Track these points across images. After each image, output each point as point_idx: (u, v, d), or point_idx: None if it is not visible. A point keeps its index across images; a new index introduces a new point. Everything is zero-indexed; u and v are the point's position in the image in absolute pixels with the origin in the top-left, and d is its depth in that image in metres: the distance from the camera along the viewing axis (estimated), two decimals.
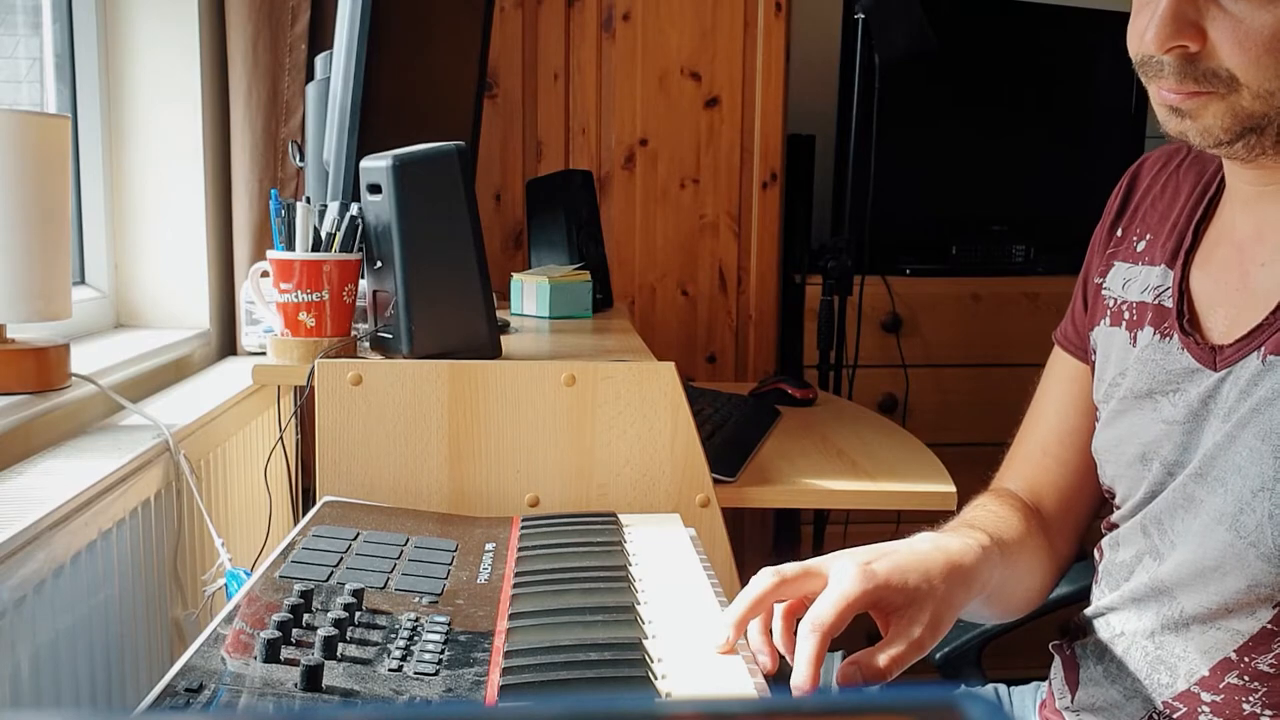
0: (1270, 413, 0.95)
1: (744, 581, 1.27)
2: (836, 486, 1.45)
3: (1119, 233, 1.15)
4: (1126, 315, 1.10)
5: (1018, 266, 2.70)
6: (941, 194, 2.71)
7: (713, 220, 2.59)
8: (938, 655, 1.39)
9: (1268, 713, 0.97)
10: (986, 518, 1.12)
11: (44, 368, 1.25)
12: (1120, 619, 1.09)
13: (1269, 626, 0.97)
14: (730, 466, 1.43)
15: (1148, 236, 1.12)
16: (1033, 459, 1.21)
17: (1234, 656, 0.98)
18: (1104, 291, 1.14)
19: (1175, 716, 1.02)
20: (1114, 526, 1.13)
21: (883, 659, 0.92)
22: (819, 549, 2.38)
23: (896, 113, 2.48)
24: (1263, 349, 0.97)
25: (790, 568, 0.96)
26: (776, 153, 2.58)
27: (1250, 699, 0.98)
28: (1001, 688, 1.29)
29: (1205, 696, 1.00)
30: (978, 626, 1.37)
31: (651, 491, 1.30)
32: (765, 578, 0.95)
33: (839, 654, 1.34)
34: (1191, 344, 1.03)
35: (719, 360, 2.63)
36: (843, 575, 0.93)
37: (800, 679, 0.88)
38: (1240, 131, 0.94)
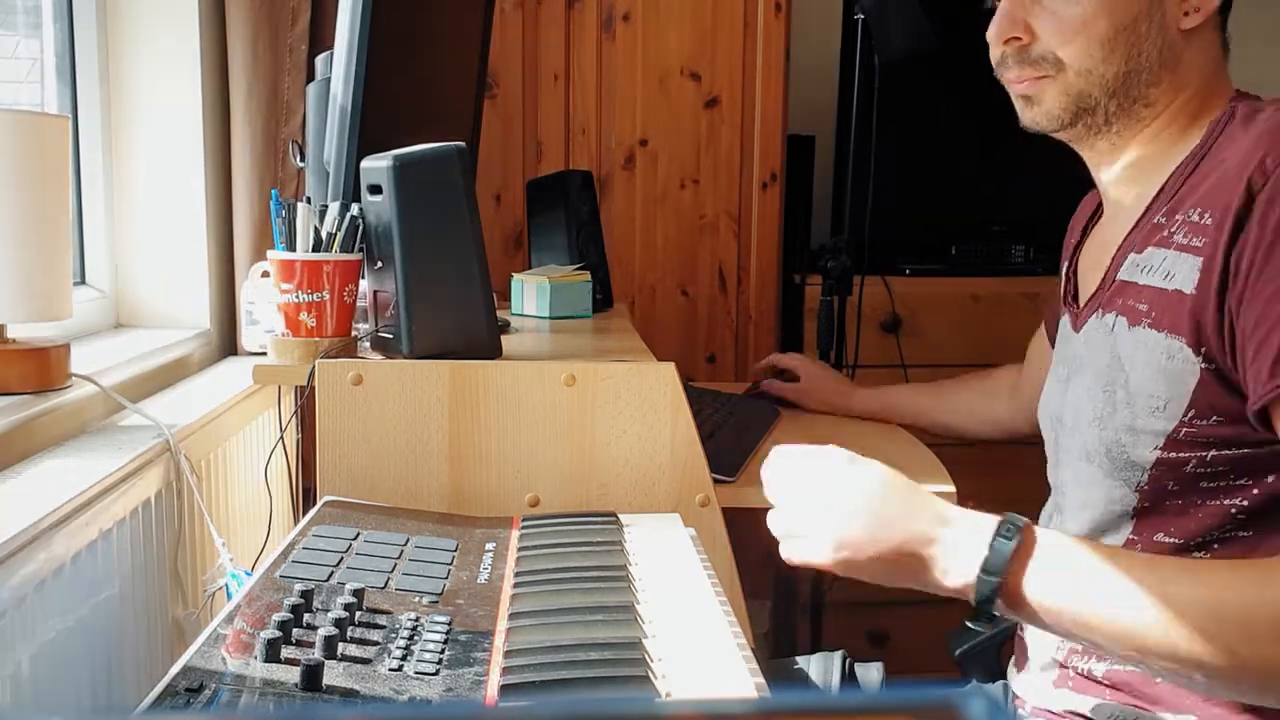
0: (1098, 357, 1.13)
1: (744, 582, 1.28)
2: None
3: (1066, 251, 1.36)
4: (1058, 311, 1.31)
5: (1018, 267, 2.69)
6: (941, 194, 2.71)
7: (712, 220, 2.59)
8: (956, 652, 1.39)
9: None
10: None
11: (44, 368, 1.25)
12: None
13: (1131, 537, 1.12)
14: (730, 466, 1.43)
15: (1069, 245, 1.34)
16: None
17: None
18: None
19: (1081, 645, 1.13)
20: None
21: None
22: None
23: (896, 113, 2.47)
24: (1100, 308, 1.15)
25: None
26: (776, 153, 2.58)
27: None
28: (1011, 688, 1.29)
29: None
30: (995, 627, 1.38)
31: (651, 491, 1.30)
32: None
33: (839, 653, 1.34)
34: (1070, 313, 1.24)
35: (719, 360, 2.63)
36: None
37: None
38: (1076, 111, 1.14)
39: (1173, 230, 1.07)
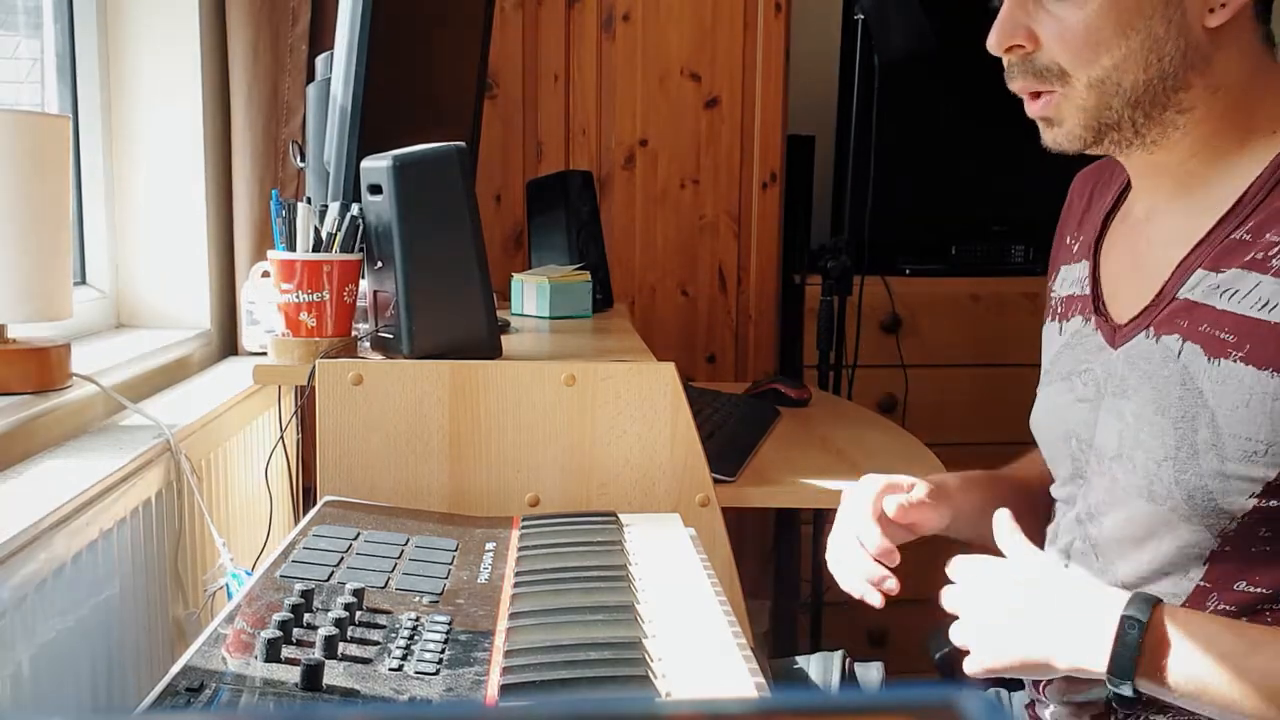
0: (1164, 388, 1.01)
1: (744, 581, 1.27)
2: (836, 486, 1.45)
3: (1065, 240, 1.24)
4: (1059, 309, 1.19)
5: (1017, 266, 2.70)
6: (941, 194, 2.71)
7: (712, 220, 2.59)
8: (937, 655, 1.39)
9: None
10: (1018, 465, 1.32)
11: (45, 368, 1.25)
12: None
13: (1203, 584, 1.02)
14: (730, 466, 1.43)
15: (1080, 237, 1.20)
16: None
17: None
18: (1051, 295, 1.22)
19: None
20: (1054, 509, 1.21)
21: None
22: (819, 549, 2.37)
23: (896, 113, 2.48)
24: (1152, 327, 1.04)
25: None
26: (776, 153, 2.58)
27: None
28: (1004, 692, 1.29)
29: None
30: None
31: (651, 491, 1.30)
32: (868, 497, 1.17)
33: (839, 653, 1.34)
34: (1102, 324, 1.11)
35: (719, 360, 2.63)
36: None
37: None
38: (1098, 129, 1.04)
39: (1270, 253, 0.97)
